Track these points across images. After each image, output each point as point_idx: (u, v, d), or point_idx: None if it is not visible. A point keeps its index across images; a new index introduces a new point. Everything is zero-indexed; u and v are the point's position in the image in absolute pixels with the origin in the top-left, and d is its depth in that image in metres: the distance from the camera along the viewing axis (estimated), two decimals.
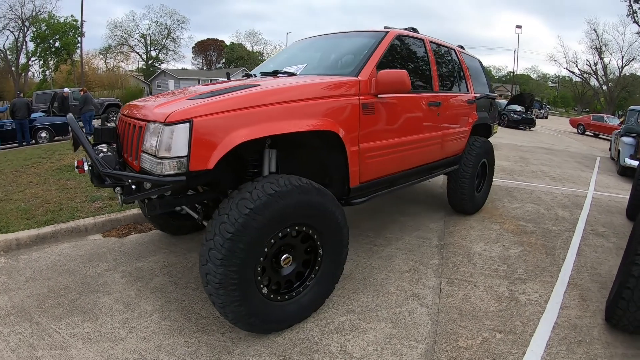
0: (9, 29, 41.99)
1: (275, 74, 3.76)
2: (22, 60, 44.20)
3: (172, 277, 3.70)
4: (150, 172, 2.39)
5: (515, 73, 63.96)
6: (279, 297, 2.75)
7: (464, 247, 4.75)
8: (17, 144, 13.13)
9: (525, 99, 23.30)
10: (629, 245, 3.51)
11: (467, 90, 5.54)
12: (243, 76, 4.42)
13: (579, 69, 52.05)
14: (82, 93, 14.89)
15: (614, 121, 24.06)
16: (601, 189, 8.66)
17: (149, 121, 2.46)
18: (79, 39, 39.27)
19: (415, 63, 4.39)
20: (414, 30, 5.74)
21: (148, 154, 2.41)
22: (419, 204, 6.49)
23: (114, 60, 54.06)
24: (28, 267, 3.82)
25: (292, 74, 3.71)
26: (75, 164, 2.72)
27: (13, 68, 43.14)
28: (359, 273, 3.87)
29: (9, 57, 43.93)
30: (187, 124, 2.29)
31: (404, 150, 3.95)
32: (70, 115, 3.12)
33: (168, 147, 2.28)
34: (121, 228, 4.79)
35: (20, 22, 41.69)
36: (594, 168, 11.69)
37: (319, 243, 2.83)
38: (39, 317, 2.99)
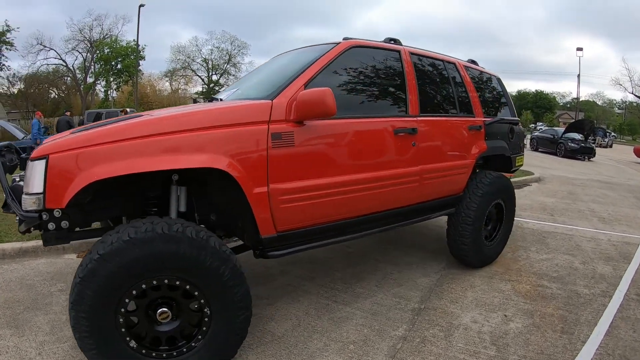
0: (77, 50, 45.90)
1: (212, 99, 3.44)
2: (90, 79, 48.31)
3: None
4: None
5: (579, 99, 60.80)
6: (153, 354, 2.48)
7: (448, 315, 3.78)
8: None
9: (585, 125, 21.95)
10: None
11: (472, 113, 4.66)
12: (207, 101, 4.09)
13: None
14: (67, 114, 15.59)
15: None
16: None
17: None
18: (138, 61, 43.24)
19: (381, 80, 3.75)
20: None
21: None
22: (417, 250, 5.57)
23: (178, 83, 56.54)
24: (0, 276, 4.20)
25: (217, 100, 3.39)
26: None
27: (82, 86, 47.33)
28: (293, 336, 3.25)
29: (78, 75, 47.91)
30: (44, 160, 2.26)
31: (350, 191, 3.21)
32: None
33: (28, 183, 2.31)
34: None
35: (88, 44, 45.66)
36: None
37: (202, 301, 2.50)
38: None
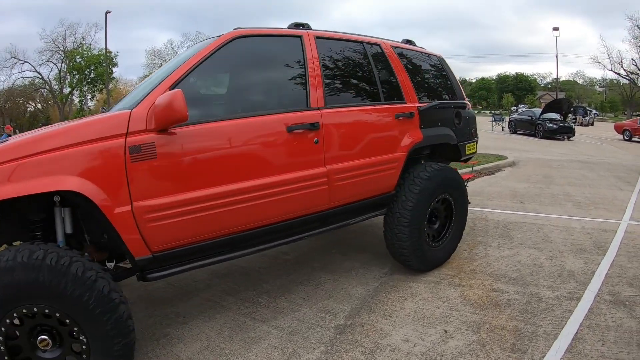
0: (52, 61, 46.31)
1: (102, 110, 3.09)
2: (66, 90, 48.69)
3: None
4: None
5: (559, 79, 60.94)
6: None
7: (377, 332, 3.20)
8: None
9: (563, 105, 21.46)
10: None
11: (402, 99, 4.08)
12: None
13: (624, 70, 49.78)
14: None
15: None
16: None
17: None
18: (111, 69, 43.91)
19: (277, 72, 3.48)
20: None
21: None
22: (362, 252, 4.96)
23: None
24: None
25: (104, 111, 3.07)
26: None
27: (57, 98, 47.80)
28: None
29: (55, 86, 48.34)
30: None
31: (231, 203, 2.85)
32: None
33: None
34: None
35: (62, 54, 46.00)
36: (636, 184, 9.53)
37: (76, 329, 2.34)
38: None
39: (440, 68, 5.01)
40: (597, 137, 25.20)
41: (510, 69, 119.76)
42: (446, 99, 4.80)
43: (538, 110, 23.99)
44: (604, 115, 63.57)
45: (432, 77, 4.89)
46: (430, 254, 4.23)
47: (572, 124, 23.57)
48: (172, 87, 2.66)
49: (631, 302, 3.67)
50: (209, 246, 2.86)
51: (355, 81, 3.93)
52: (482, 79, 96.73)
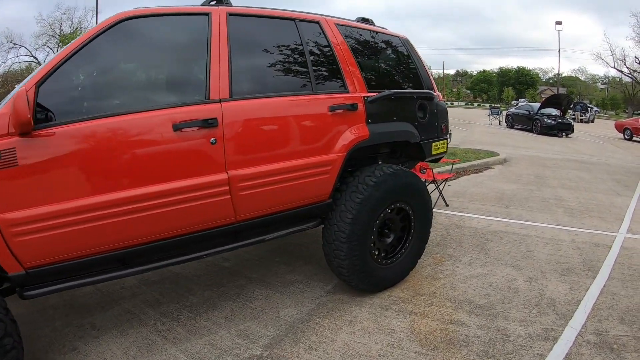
0: (48, 46, 45.68)
1: None
2: None
3: None
4: None
5: (561, 74, 60.39)
6: None
7: None
8: None
9: (562, 100, 20.65)
10: None
11: (345, 87, 3.46)
12: None
13: (627, 68, 49.04)
14: None
15: None
16: (639, 229, 5.84)
17: None
18: None
19: (171, 60, 3.02)
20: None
21: None
22: (310, 264, 4.40)
23: None
24: None
25: None
26: None
27: None
28: None
29: None
30: None
31: (108, 216, 2.49)
32: None
33: None
34: None
35: (59, 39, 45.00)
36: (636, 189, 8.79)
37: None
38: None
39: (403, 52, 4.26)
40: (596, 135, 24.46)
41: (513, 62, 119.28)
42: (410, 89, 4.10)
43: (536, 105, 23.18)
44: (604, 113, 63.23)
45: (392, 62, 4.20)
46: (379, 273, 3.57)
47: (571, 121, 22.70)
48: (39, 85, 2.34)
49: (620, 346, 2.96)
50: (91, 262, 2.55)
51: (278, 67, 3.25)
52: (484, 71, 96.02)
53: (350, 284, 3.53)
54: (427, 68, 4.43)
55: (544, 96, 60.91)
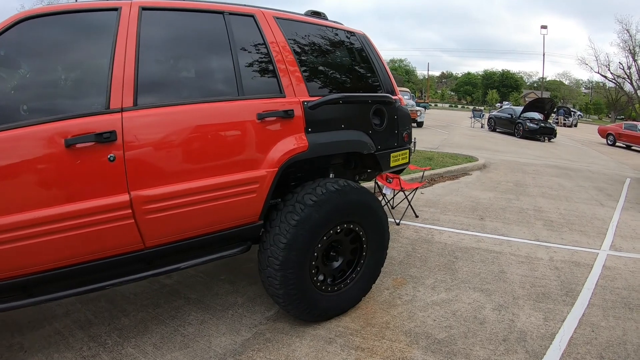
0: None
1: None
2: None
3: None
4: None
5: (545, 78, 60.93)
6: None
7: None
8: None
9: (545, 104, 20.44)
10: None
11: (280, 91, 3.03)
12: None
13: (611, 73, 49.41)
14: None
15: None
16: (623, 244, 5.50)
17: None
18: None
19: (70, 64, 2.66)
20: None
21: None
22: (253, 285, 3.94)
23: None
24: None
25: None
26: None
27: None
28: None
29: None
30: None
31: None
32: None
33: None
34: None
35: None
36: (620, 198, 8.48)
37: None
38: None
39: (360, 50, 3.79)
40: (579, 139, 24.42)
41: (498, 65, 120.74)
42: (366, 91, 3.67)
43: (519, 109, 23.00)
44: (587, 117, 64.12)
45: (345, 62, 3.71)
46: (323, 302, 3.17)
47: (554, 125, 22.56)
48: None
49: None
50: None
51: (198, 68, 2.91)
52: (468, 73, 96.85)
53: (289, 313, 3.14)
54: (387, 69, 3.96)
55: (527, 99, 61.44)
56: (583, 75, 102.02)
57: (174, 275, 4.00)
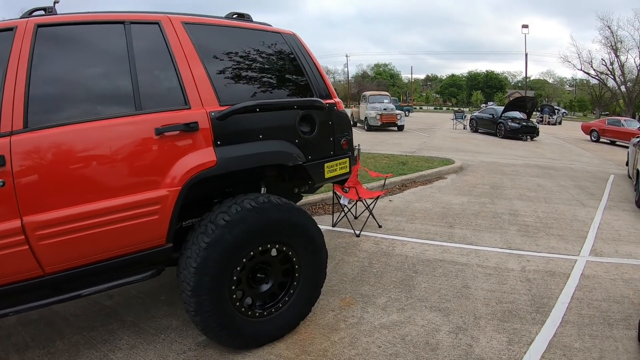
0: None
1: None
2: None
3: None
4: None
5: (529, 77, 61.38)
6: None
7: None
8: None
9: (527, 102, 20.17)
10: None
11: (183, 102, 2.82)
12: None
13: (594, 70, 49.55)
14: None
15: (633, 125, 20.57)
16: (604, 249, 5.09)
17: None
18: None
19: None
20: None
21: None
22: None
23: None
24: None
25: None
26: None
27: None
28: None
29: None
30: None
31: None
32: None
33: None
34: None
35: None
36: (602, 197, 8.11)
37: None
38: None
39: (288, 53, 3.46)
40: (563, 137, 24.24)
41: (483, 66, 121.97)
42: (295, 97, 3.38)
43: (500, 108, 22.76)
44: (572, 115, 64.75)
45: (268, 66, 3.40)
46: (249, 329, 2.92)
47: (537, 124, 22.33)
48: None
49: None
50: None
51: (93, 84, 2.71)
52: (453, 75, 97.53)
53: (212, 340, 2.94)
54: (321, 71, 3.61)
55: (512, 99, 61.97)
56: (567, 73, 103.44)
57: (114, 295, 3.79)
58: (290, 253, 3.02)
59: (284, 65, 3.42)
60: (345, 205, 5.53)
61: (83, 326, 3.35)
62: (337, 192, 5.50)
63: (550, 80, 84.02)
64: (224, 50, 3.10)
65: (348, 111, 26.61)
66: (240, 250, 2.76)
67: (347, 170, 3.59)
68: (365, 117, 21.87)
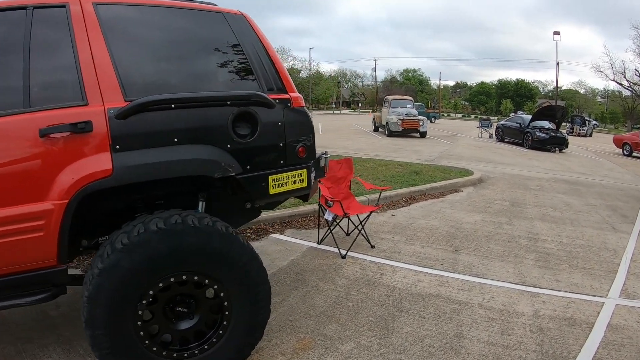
0: None
1: None
2: None
3: None
4: None
5: (560, 87, 59.53)
6: None
7: None
8: None
9: (556, 112, 18.94)
10: None
11: (80, 97, 2.35)
12: None
13: (627, 80, 47.94)
14: None
15: None
16: (638, 288, 4.14)
17: None
18: None
19: None
20: None
21: None
22: None
23: None
24: None
25: None
26: None
27: None
28: None
29: None
30: None
31: None
32: None
33: None
34: None
35: None
36: (636, 220, 7.05)
37: None
38: None
39: (229, 38, 2.83)
40: (593, 150, 22.81)
41: (513, 75, 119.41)
42: (234, 89, 2.75)
43: (528, 117, 21.56)
44: (604, 127, 62.71)
45: (201, 53, 2.82)
46: None
47: (566, 135, 21.06)
48: None
49: None
50: None
51: None
52: (482, 83, 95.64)
53: None
54: (276, 59, 2.93)
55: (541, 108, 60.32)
56: (599, 83, 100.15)
57: (61, 305, 3.43)
58: (216, 287, 2.47)
59: (222, 52, 2.80)
60: (330, 221, 4.73)
61: (21, 337, 3.08)
62: (323, 205, 4.71)
63: (582, 91, 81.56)
64: (143, 33, 2.61)
65: (369, 116, 25.50)
66: (142, 279, 2.30)
67: (305, 184, 2.91)
68: (387, 122, 21.01)
